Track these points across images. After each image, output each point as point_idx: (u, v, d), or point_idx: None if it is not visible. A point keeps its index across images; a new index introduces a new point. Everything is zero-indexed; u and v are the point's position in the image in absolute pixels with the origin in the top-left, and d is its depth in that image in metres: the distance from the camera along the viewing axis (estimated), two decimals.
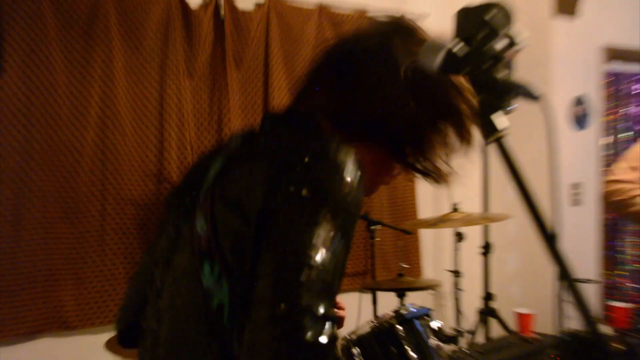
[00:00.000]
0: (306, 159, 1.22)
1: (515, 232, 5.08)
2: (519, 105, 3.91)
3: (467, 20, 4.28)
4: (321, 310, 1.09)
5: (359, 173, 1.21)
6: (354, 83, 1.37)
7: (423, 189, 4.89)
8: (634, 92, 5.81)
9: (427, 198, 4.97)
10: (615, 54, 5.36)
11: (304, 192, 1.18)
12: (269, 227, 1.18)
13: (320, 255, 1.12)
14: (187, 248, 1.33)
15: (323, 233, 1.13)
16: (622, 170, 2.60)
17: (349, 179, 1.19)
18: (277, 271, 1.13)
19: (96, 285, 3.53)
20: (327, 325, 1.08)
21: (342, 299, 4.72)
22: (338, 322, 1.30)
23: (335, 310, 1.85)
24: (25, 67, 3.35)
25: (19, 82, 3.33)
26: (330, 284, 1.13)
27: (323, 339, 1.07)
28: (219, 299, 1.23)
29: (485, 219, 3.93)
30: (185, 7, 3.81)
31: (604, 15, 5.21)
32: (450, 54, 1.16)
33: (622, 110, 5.73)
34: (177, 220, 1.42)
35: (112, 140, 3.58)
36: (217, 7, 3.92)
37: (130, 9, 3.65)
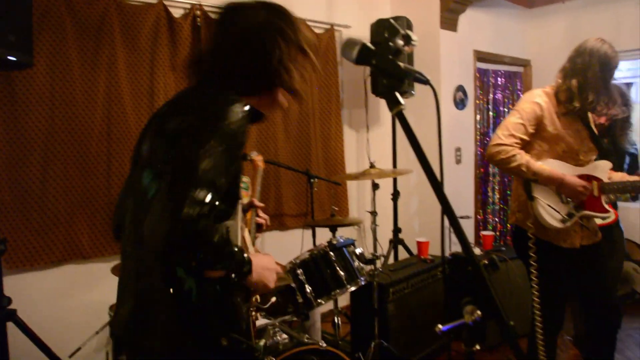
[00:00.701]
0: (208, 105, 1.42)
1: (416, 182, 5.13)
2: (417, 90, 3.87)
3: (378, 28, 4.28)
4: (200, 196, 1.24)
5: (242, 114, 1.40)
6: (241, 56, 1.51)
7: (349, 151, 4.88)
8: (496, 84, 5.88)
9: (352, 158, 4.97)
10: (482, 56, 5.46)
11: (202, 122, 1.37)
12: (178, 144, 1.35)
13: (205, 163, 1.28)
14: (139, 163, 1.50)
15: (210, 149, 1.30)
16: (503, 137, 2.65)
17: (233, 118, 1.37)
18: (175, 171, 1.31)
19: (104, 226, 3.45)
20: (204, 207, 1.24)
21: (289, 233, 4.68)
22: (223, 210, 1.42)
23: (258, 218, 1.97)
24: (50, 62, 3.23)
25: (45, 73, 3.22)
26: (212, 181, 1.28)
27: (196, 215, 1.22)
28: (151, 192, 1.38)
29: (394, 173, 3.95)
30: (170, 17, 3.69)
31: (474, 30, 5.30)
32: (364, 48, 1.13)
33: (488, 97, 5.80)
34: (138, 147, 1.56)
35: (115, 118, 3.48)
36: (195, 17, 3.79)
37: (129, 18, 3.53)
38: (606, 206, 2.72)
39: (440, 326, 1.14)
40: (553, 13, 5.74)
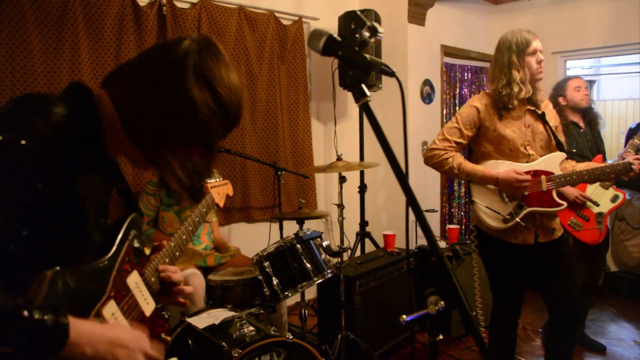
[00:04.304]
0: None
1: (383, 175, 5.17)
2: (384, 84, 3.88)
3: (346, 20, 4.30)
4: None
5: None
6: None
7: (316, 144, 4.88)
8: (462, 78, 5.94)
9: (320, 151, 4.97)
10: (449, 51, 5.51)
11: None
12: None
13: None
14: None
15: None
16: (438, 141, 2.74)
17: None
18: None
19: None
20: None
21: (256, 226, 4.63)
22: None
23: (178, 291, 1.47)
24: (10, 50, 3.17)
25: (5, 61, 3.16)
26: None
27: None
28: None
29: (361, 166, 3.95)
30: (136, 5, 3.64)
31: (442, 24, 5.34)
32: (330, 39, 1.13)
33: (455, 92, 5.86)
34: None
35: None
36: (160, 6, 3.74)
37: (92, 6, 3.47)
38: (558, 200, 2.65)
39: (404, 316, 1.16)
40: (518, 10, 5.82)
